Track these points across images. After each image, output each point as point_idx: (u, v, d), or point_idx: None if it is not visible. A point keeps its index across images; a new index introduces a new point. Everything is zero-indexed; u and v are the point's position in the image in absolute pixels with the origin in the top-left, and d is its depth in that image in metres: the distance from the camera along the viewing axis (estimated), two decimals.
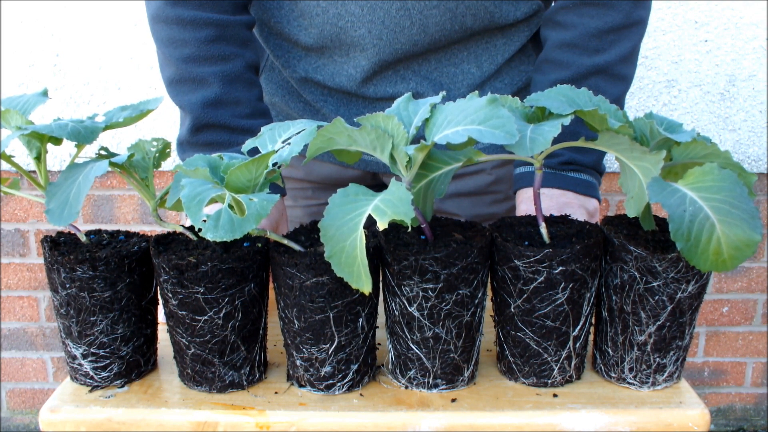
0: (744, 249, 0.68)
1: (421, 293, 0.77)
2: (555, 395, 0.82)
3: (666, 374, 0.82)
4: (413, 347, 0.81)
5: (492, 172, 1.24)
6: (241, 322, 0.80)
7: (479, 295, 0.80)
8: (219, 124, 1.07)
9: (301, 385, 0.83)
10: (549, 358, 0.82)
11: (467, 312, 0.79)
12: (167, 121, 1.95)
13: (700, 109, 1.97)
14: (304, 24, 1.12)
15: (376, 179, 1.28)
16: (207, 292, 0.77)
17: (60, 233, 0.89)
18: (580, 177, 1.07)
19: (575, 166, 1.07)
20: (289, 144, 0.79)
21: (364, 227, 0.71)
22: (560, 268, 0.77)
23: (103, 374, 0.84)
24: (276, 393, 0.83)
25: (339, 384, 0.82)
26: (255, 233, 0.78)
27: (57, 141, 0.80)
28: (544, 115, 0.79)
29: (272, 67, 1.25)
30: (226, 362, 0.81)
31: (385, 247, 0.79)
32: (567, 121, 0.74)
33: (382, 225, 0.69)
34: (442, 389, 0.83)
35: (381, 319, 0.85)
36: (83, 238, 0.86)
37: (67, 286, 0.80)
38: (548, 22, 1.11)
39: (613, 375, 0.84)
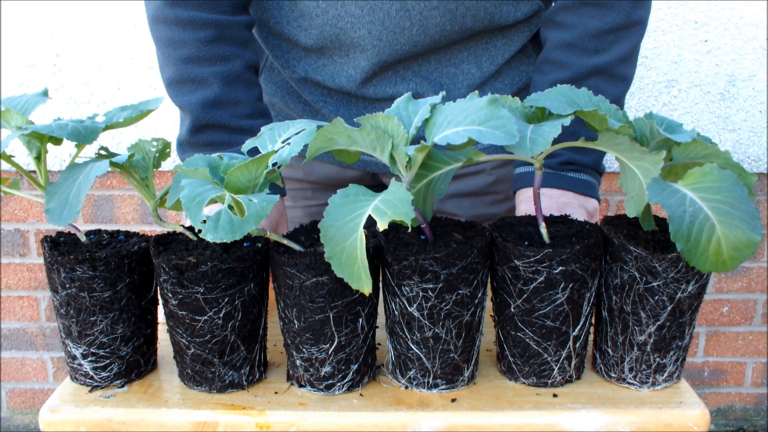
0: (744, 249, 0.68)
1: (421, 293, 0.77)
2: (555, 395, 0.82)
3: (666, 374, 0.82)
4: (413, 347, 0.81)
5: (492, 172, 1.24)
6: (241, 322, 0.80)
7: (479, 295, 0.80)
8: (219, 124, 1.07)
9: (301, 385, 0.83)
10: (549, 358, 0.82)
11: (467, 312, 0.79)
12: (167, 121, 1.95)
13: (700, 109, 1.97)
14: (303, 25, 1.12)
15: (376, 179, 1.28)
16: (207, 292, 0.77)
17: (60, 233, 0.89)
18: (580, 177, 1.07)
19: (575, 166, 1.07)
20: (288, 144, 0.78)
21: (364, 227, 0.71)
22: (560, 268, 0.77)
23: (103, 374, 0.84)
24: (276, 393, 0.83)
25: (339, 384, 0.82)
26: (255, 233, 0.78)
27: (57, 141, 0.80)
28: (544, 115, 0.79)
29: (272, 68, 1.25)
30: (226, 362, 0.81)
31: (385, 247, 0.79)
32: (567, 121, 0.74)
33: (382, 225, 0.69)
34: (442, 389, 0.83)
35: (381, 319, 0.85)
36: (83, 238, 0.86)
37: (67, 286, 0.80)
38: (548, 22, 1.11)
39: (613, 375, 0.84)
